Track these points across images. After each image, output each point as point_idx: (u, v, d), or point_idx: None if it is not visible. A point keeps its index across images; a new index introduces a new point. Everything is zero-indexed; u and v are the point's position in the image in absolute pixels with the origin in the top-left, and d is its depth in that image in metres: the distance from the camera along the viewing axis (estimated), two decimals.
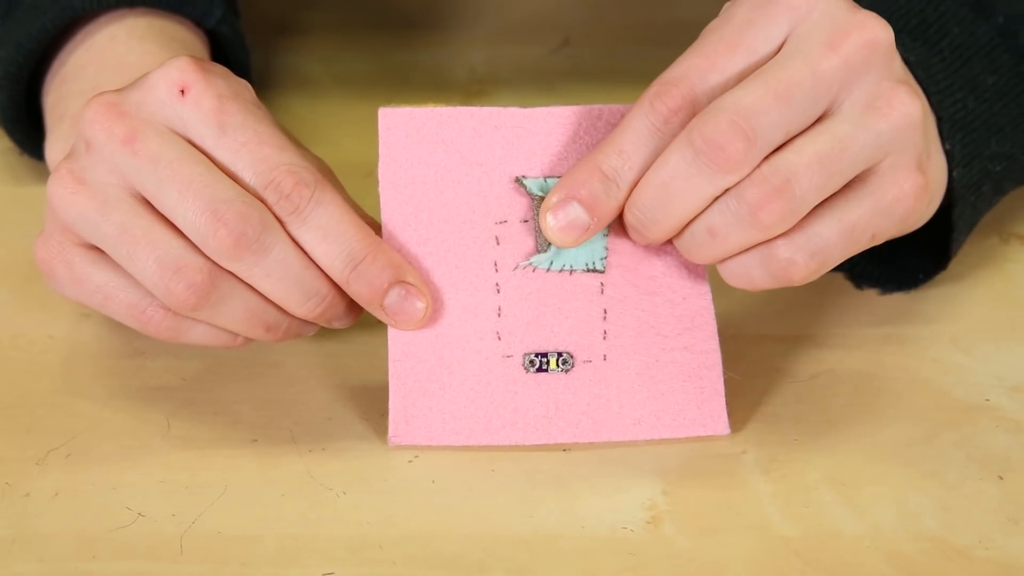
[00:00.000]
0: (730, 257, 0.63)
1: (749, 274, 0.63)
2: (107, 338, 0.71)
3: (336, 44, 0.97)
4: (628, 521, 0.61)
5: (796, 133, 0.61)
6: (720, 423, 0.65)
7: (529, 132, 0.64)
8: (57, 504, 0.62)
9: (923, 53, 0.71)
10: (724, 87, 0.61)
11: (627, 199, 0.62)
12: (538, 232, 0.64)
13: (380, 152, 0.64)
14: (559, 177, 0.64)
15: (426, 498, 0.63)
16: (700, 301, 0.65)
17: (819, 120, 0.62)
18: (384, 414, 0.66)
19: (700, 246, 0.62)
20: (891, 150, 0.63)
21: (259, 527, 0.61)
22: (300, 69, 0.95)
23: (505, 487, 0.63)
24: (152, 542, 0.60)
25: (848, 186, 0.63)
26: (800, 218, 0.61)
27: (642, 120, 0.62)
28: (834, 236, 0.62)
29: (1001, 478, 0.64)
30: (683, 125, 0.61)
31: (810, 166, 0.61)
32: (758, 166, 0.61)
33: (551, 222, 0.63)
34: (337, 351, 0.70)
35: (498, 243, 0.65)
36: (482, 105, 0.65)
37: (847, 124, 0.61)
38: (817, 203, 0.62)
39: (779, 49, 0.62)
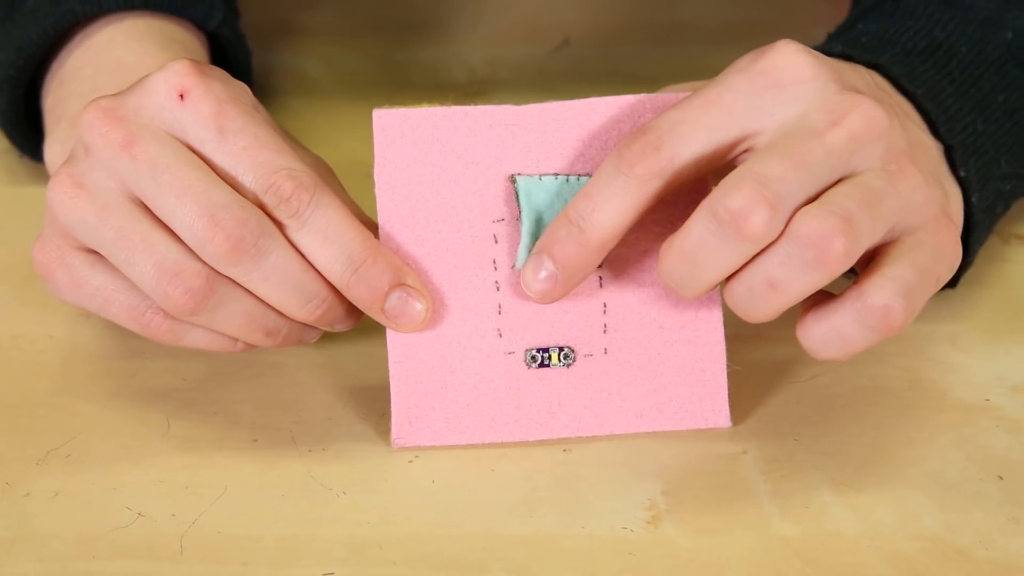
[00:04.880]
0: (818, 325, 0.61)
1: (843, 336, 0.61)
2: (107, 338, 0.71)
3: (336, 44, 0.97)
4: (628, 521, 0.61)
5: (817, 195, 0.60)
6: (722, 415, 0.65)
7: (524, 129, 0.64)
8: (57, 504, 0.62)
9: (932, 77, 0.70)
10: (692, 136, 0.60)
11: (598, 244, 0.61)
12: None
13: (376, 153, 0.64)
14: (554, 175, 0.64)
15: (426, 498, 0.63)
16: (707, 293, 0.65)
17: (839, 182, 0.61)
18: (384, 414, 0.66)
19: (760, 302, 0.60)
20: (916, 208, 0.62)
21: (259, 527, 0.61)
22: (300, 69, 0.95)
23: (505, 487, 0.63)
24: (152, 542, 0.60)
25: (891, 243, 0.62)
26: (856, 259, 0.60)
27: (608, 165, 0.61)
28: (913, 276, 0.60)
29: (1001, 478, 0.64)
30: (647, 170, 0.60)
31: (860, 206, 0.59)
32: (804, 207, 0.59)
33: (528, 278, 0.62)
34: (337, 352, 0.70)
35: (496, 241, 0.65)
36: (481, 105, 0.65)
37: (875, 179, 0.60)
38: (870, 245, 0.60)
39: (759, 124, 0.61)
